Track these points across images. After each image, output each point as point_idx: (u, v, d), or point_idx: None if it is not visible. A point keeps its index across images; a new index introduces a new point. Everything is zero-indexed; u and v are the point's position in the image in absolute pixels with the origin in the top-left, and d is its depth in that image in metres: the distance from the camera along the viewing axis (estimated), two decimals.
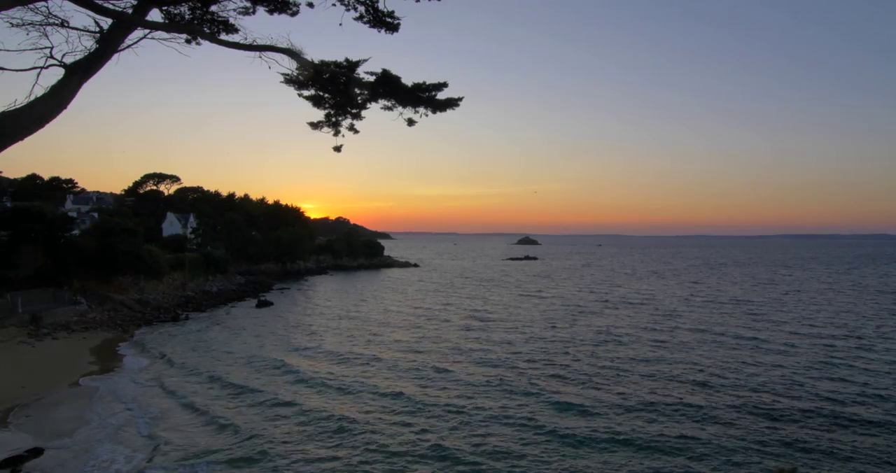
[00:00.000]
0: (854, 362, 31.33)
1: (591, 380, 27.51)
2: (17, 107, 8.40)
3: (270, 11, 10.15)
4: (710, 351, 34.43)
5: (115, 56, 9.30)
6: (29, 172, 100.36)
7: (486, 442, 19.64)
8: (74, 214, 64.53)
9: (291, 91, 11.08)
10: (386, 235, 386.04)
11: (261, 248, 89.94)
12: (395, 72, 10.66)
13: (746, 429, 20.87)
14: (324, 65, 10.46)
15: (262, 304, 55.99)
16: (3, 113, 8.21)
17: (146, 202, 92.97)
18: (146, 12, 9.42)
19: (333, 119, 11.47)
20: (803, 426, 21.26)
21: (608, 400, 24.30)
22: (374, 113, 11.30)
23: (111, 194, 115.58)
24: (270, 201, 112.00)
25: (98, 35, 9.04)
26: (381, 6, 10.00)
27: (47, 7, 9.03)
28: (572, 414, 22.53)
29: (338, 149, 12.08)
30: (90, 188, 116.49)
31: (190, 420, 22.20)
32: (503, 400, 24.29)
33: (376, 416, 22.40)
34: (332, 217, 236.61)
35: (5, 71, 8.99)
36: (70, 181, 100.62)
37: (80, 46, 9.03)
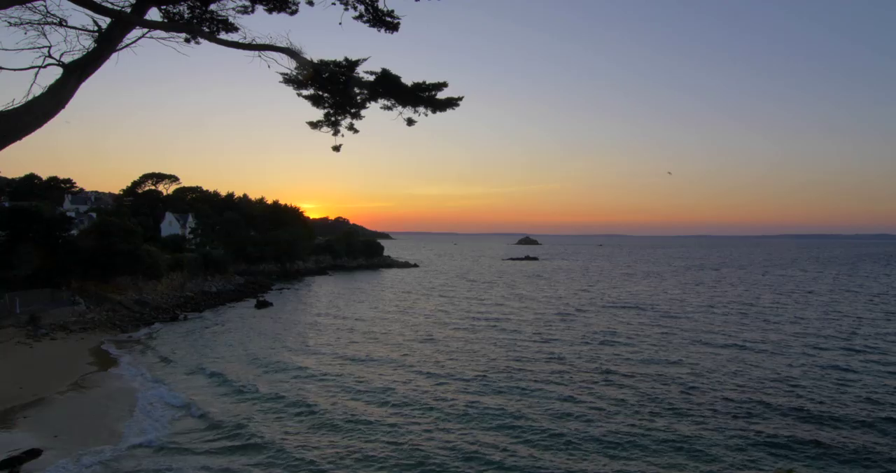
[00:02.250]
0: (853, 366, 31.34)
1: (575, 392, 26.51)
2: (15, 106, 8.36)
3: (269, 10, 10.11)
4: (701, 355, 34.30)
5: (114, 55, 9.26)
6: (27, 172, 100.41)
7: (466, 454, 19.60)
8: (73, 214, 64.37)
9: (291, 90, 11.05)
10: (386, 235, 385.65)
11: (260, 248, 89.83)
12: (394, 71, 10.64)
13: (739, 434, 20.84)
14: (323, 64, 10.42)
15: (262, 305, 55.87)
16: (1, 112, 8.17)
17: (145, 202, 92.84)
18: (145, 11, 9.38)
19: (333, 118, 11.44)
20: (798, 429, 21.23)
21: (591, 411, 24.12)
22: (374, 112, 11.28)
23: (109, 194, 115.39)
24: (269, 201, 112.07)
25: (96, 34, 9.00)
26: (380, 5, 9.97)
27: (45, 6, 8.99)
28: (550, 430, 21.43)
29: (337, 148, 12.05)
30: (88, 188, 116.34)
31: (186, 420, 22.14)
32: (489, 416, 23.64)
33: (360, 424, 22.36)
34: (332, 217, 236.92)
35: (3, 70, 8.95)
36: (68, 181, 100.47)
37: (78, 45, 9.00)
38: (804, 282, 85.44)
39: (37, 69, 8.87)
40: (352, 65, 10.54)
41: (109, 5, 8.90)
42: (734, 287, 77.71)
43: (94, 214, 75.22)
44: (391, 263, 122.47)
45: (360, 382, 27.51)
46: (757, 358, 32.25)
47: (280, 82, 10.69)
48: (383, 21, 10.07)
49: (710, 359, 32.08)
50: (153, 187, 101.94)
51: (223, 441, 19.92)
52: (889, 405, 23.68)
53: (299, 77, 10.45)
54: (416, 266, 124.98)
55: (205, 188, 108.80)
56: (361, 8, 9.98)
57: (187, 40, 9.88)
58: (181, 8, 9.99)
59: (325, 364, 31.48)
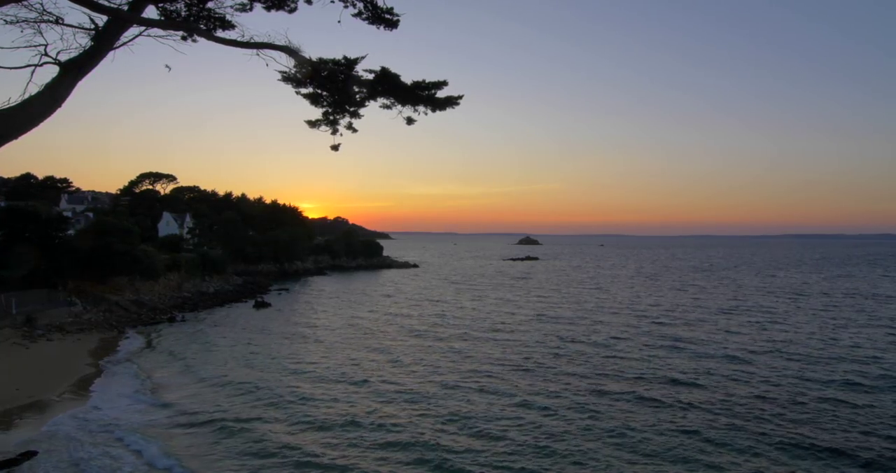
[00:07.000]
0: (853, 371, 31.35)
1: (556, 402, 27.01)
2: (12, 105, 8.29)
3: (268, 8, 10.04)
4: (687, 363, 34.22)
5: (111, 53, 9.19)
6: (23, 171, 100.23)
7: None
8: (69, 214, 64.24)
9: (289, 89, 10.98)
10: (385, 235, 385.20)
11: (258, 249, 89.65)
12: (394, 70, 10.58)
13: (735, 437, 20.80)
14: (322, 62, 10.36)
15: (260, 305, 55.69)
16: None
17: (142, 201, 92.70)
18: (142, 9, 9.31)
19: (332, 117, 11.37)
20: (796, 433, 21.21)
21: (573, 420, 24.11)
22: (373, 111, 11.21)
23: (107, 194, 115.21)
24: (268, 201, 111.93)
25: (93, 32, 8.93)
26: (379, 3, 9.90)
27: (42, 4, 8.91)
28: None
29: (335, 147, 11.98)
30: (85, 187, 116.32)
31: (183, 420, 22.04)
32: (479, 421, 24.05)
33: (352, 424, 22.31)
34: (331, 217, 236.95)
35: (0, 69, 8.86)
36: (65, 180, 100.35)
37: (75, 44, 8.93)
38: (806, 285, 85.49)
39: (33, 68, 8.80)
40: (351, 63, 10.48)
41: (107, 3, 8.83)
42: (730, 289, 77.74)
43: (91, 214, 75.10)
44: (391, 263, 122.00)
45: (358, 382, 27.46)
46: (755, 363, 32.21)
47: (278, 80, 10.63)
48: (382, 18, 10.00)
49: (707, 366, 32.06)
50: (150, 187, 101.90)
51: (219, 437, 19.83)
52: (888, 408, 23.68)
53: (298, 75, 10.39)
54: (416, 266, 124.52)
55: (203, 187, 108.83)
56: (360, 5, 9.91)
57: (184, 38, 9.81)
58: (178, 6, 9.91)
59: (324, 364, 31.38)
